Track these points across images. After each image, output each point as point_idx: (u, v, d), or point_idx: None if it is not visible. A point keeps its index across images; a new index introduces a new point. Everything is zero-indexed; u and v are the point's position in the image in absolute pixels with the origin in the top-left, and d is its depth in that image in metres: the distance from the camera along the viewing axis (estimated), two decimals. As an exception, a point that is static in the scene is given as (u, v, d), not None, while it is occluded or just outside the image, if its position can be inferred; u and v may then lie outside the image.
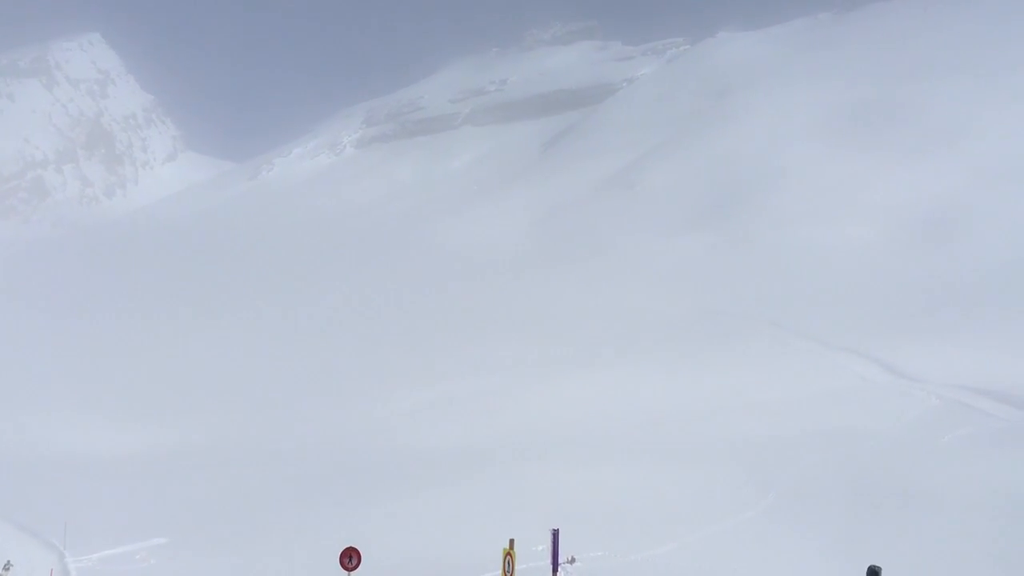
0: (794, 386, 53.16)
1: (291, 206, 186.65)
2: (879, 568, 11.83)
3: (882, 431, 41.22)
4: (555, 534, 9.16)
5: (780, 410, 47.68)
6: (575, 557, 17.09)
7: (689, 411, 49.78)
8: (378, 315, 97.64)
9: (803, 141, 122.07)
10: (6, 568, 25.72)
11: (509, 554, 8.21)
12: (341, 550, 17.87)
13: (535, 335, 78.03)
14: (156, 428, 64.66)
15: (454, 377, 67.96)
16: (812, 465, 36.24)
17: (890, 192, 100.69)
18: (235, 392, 74.62)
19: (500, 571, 8.22)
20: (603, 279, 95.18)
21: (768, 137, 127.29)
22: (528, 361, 69.48)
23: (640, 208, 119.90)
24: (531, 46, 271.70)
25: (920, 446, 38.00)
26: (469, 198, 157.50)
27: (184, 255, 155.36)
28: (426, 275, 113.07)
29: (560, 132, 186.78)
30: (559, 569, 9.54)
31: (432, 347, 79.70)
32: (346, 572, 17.66)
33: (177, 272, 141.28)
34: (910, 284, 76.36)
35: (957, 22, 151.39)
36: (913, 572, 23.23)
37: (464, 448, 46.45)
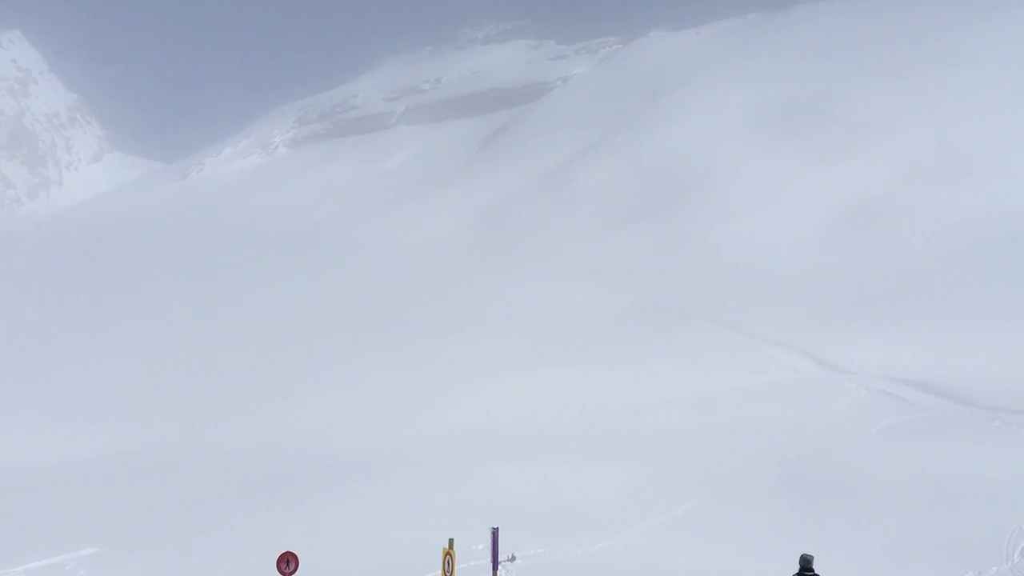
0: (729, 380, 54.06)
1: (222, 207, 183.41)
2: (811, 556, 12.04)
3: (813, 422, 42.17)
4: (495, 533, 9.13)
5: (716, 404, 48.45)
6: (515, 555, 17.11)
7: (626, 406, 50.26)
8: (314, 316, 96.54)
9: (735, 139, 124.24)
10: None
11: (449, 553, 8.15)
12: (278, 555, 17.61)
13: (472, 334, 78.01)
14: (83, 434, 62.97)
15: (392, 377, 67.56)
16: (747, 457, 36.90)
17: (820, 188, 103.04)
18: (166, 396, 73.06)
19: (440, 571, 8.14)
20: (540, 277, 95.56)
21: (701, 135, 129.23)
22: (465, 360, 69.40)
23: (576, 206, 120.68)
24: (464, 45, 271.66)
25: (850, 436, 38.97)
26: (404, 197, 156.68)
27: (111, 258, 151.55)
28: (362, 275, 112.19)
29: (495, 131, 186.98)
30: (499, 567, 9.50)
31: (369, 347, 79.10)
32: (283, 577, 17.39)
33: (104, 275, 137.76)
34: (839, 279, 78.20)
35: (881, 23, 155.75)
36: (844, 559, 23.78)
37: (403, 448, 46.20)
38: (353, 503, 35.08)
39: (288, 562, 17.34)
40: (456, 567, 8.73)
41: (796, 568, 11.98)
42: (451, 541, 8.31)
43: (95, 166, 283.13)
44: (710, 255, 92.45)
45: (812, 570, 11.86)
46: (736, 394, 50.30)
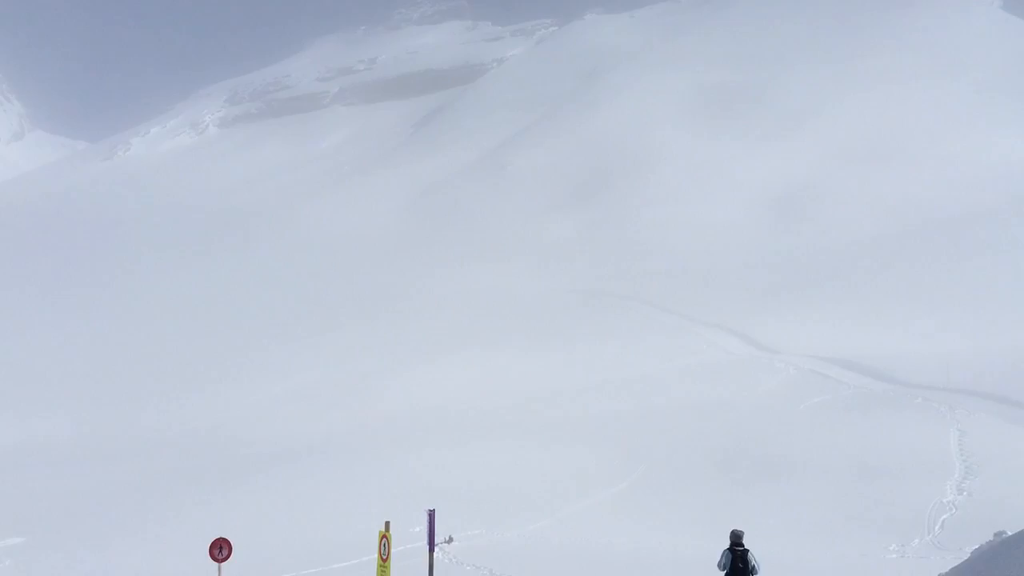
0: (662, 361, 54.81)
1: (150, 188, 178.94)
2: (741, 531, 12.28)
3: (745, 402, 43.04)
4: (431, 515, 9.13)
5: (649, 385, 49.10)
6: (452, 536, 17.14)
7: (562, 388, 50.63)
8: (246, 301, 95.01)
9: (670, 122, 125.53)
10: None
11: (385, 536, 8.12)
12: (211, 542, 17.37)
13: (407, 318, 77.62)
14: (5, 422, 61.09)
15: (328, 361, 66.93)
16: (681, 437, 37.50)
17: (751, 172, 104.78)
18: (90, 383, 71.20)
19: (376, 554, 8.12)
20: (475, 260, 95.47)
21: (636, 118, 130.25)
22: (402, 343, 69.07)
23: (512, 188, 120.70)
24: (399, 25, 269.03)
25: (780, 414, 39.88)
26: (339, 179, 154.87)
27: (34, 240, 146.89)
28: (295, 258, 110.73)
29: (430, 112, 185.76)
30: (436, 549, 9.52)
31: (302, 332, 78.16)
32: (216, 564, 17.18)
33: (26, 258, 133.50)
34: (770, 261, 79.75)
35: (812, 8, 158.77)
36: (774, 533, 24.35)
37: (340, 433, 45.88)
38: (289, 489, 34.72)
39: (221, 548, 17.12)
40: (393, 550, 8.70)
41: (727, 543, 12.20)
42: (387, 524, 8.28)
43: (15, 145, 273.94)
44: (645, 238, 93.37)
45: (742, 545, 12.08)
46: (671, 375, 51.04)
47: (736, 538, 12.19)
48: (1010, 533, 12.10)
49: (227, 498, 34.39)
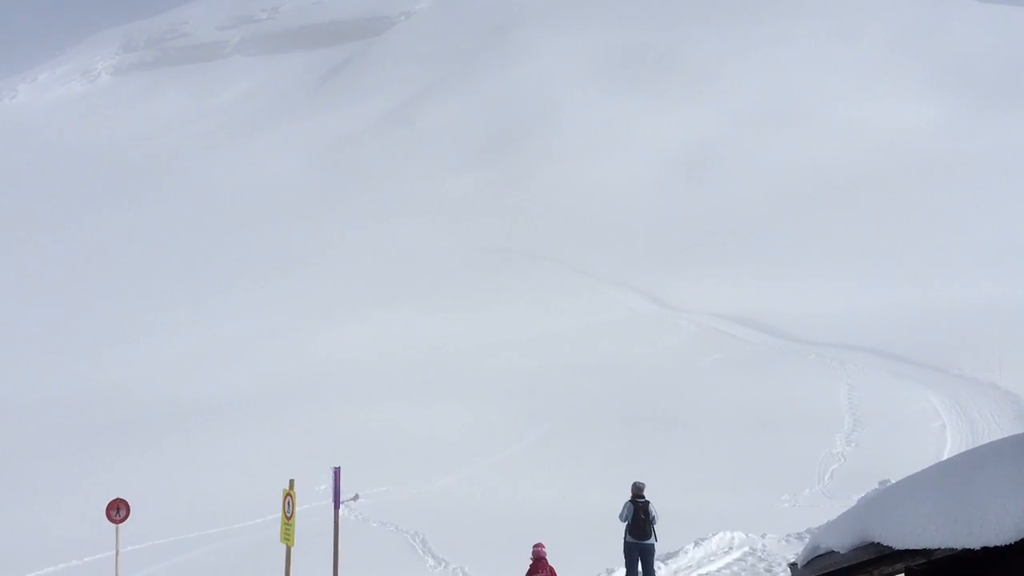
0: (568, 319, 55.48)
1: (38, 137, 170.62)
2: (642, 484, 12.58)
3: (648, 358, 44.00)
4: (336, 472, 9.09)
5: (556, 343, 49.68)
6: (359, 494, 17.10)
7: (470, 347, 50.79)
8: (142, 256, 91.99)
9: (577, 82, 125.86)
10: None
11: (289, 494, 8.06)
12: (108, 502, 16.91)
13: (311, 275, 76.48)
14: None
15: (226, 320, 65.50)
16: (586, 393, 38.13)
17: (656, 133, 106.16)
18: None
19: (280, 513, 8.05)
20: (380, 217, 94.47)
21: (543, 77, 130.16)
22: (304, 301, 68.08)
23: (419, 145, 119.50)
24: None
25: (681, 371, 40.92)
26: (240, 133, 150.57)
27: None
28: (194, 214, 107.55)
29: (336, 65, 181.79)
30: (341, 506, 9.52)
31: (203, 289, 76.21)
32: (114, 525, 16.76)
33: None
34: (674, 221, 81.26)
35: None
36: (674, 486, 25.07)
37: (243, 391, 45.08)
38: (192, 447, 34.06)
39: (118, 509, 16.69)
40: (298, 508, 8.65)
41: (628, 496, 12.50)
42: (291, 482, 8.22)
43: None
44: (551, 197, 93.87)
45: (643, 497, 12.39)
46: (576, 333, 51.74)
47: (638, 490, 12.49)
48: (893, 481, 12.72)
49: (127, 458, 33.53)
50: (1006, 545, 4.35)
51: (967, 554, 4.72)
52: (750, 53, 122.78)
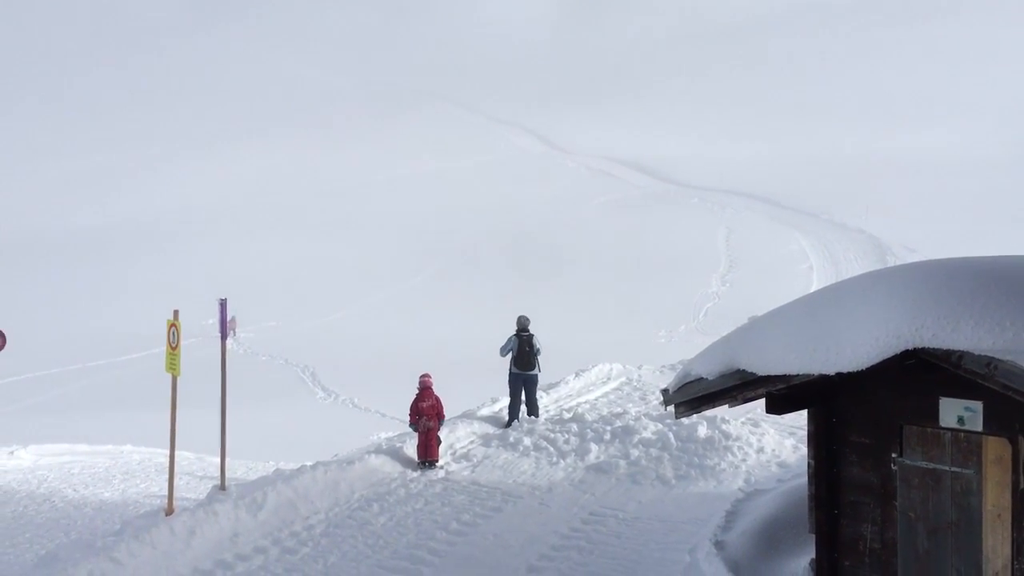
0: (457, 157, 54.98)
1: None
2: (527, 318, 12.89)
3: (538, 199, 44.35)
4: (223, 303, 9.01)
5: (447, 181, 49.36)
6: (234, 316, 16.92)
7: (354, 183, 49.94)
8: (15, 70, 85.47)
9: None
10: None
11: (174, 325, 7.99)
12: (-19, 335, 16.38)
13: (191, 104, 72.85)
14: None
15: (105, 148, 62.18)
16: (475, 232, 38.38)
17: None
18: None
19: (165, 344, 8.03)
20: (263, 45, 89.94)
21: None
22: (183, 131, 65.02)
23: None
24: None
25: (569, 212, 41.50)
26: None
27: None
28: (80, 34, 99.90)
29: None
30: (229, 338, 9.53)
31: (80, 117, 71.78)
32: (-11, 357, 16.31)
33: None
34: (566, 60, 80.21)
35: None
36: (558, 320, 25.90)
37: (124, 222, 43.47)
38: (72, 279, 33.09)
39: (-6, 341, 16.22)
40: (185, 342, 8.63)
41: (514, 330, 12.83)
42: (176, 313, 8.14)
43: None
44: (442, 31, 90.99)
45: (528, 330, 12.74)
46: (466, 172, 51.45)
47: (522, 325, 12.82)
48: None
49: (7, 287, 32.32)
50: (859, 371, 4.75)
51: (824, 380, 5.14)
52: None
